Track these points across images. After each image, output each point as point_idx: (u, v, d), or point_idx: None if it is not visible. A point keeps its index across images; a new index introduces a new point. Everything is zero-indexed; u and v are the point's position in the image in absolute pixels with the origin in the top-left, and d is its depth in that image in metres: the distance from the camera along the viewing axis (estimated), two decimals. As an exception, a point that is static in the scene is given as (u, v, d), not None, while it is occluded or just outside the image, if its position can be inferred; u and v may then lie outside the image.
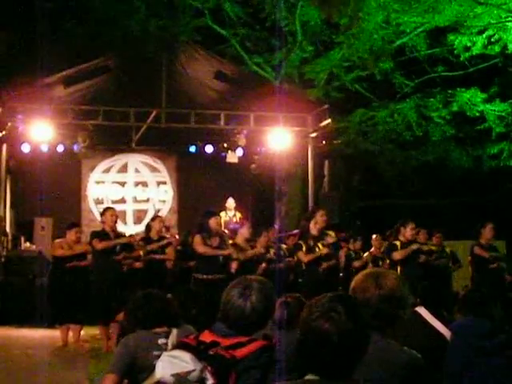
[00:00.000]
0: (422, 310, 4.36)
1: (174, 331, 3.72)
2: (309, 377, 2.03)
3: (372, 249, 11.27)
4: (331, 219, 9.98)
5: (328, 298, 2.07)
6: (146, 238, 9.56)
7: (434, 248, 10.57)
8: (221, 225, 8.65)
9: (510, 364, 3.89)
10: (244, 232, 9.44)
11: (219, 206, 12.18)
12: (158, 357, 3.39)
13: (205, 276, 8.44)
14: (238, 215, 12.62)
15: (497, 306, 4.11)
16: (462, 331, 4.01)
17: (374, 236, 11.43)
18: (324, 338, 1.98)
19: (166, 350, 3.47)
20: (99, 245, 8.67)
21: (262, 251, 9.18)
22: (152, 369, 3.30)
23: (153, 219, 9.99)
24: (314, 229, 8.85)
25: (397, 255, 8.68)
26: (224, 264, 8.62)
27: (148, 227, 9.72)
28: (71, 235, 9.18)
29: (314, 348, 2.00)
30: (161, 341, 3.68)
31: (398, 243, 8.79)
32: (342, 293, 2.16)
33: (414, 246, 8.75)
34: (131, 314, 3.93)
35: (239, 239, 9.29)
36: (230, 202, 12.62)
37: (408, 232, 8.77)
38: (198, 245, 8.62)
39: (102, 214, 9.21)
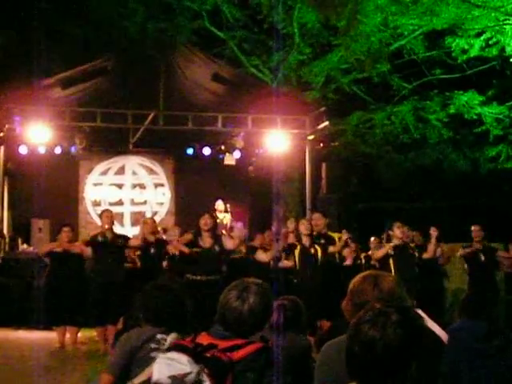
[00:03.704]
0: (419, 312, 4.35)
1: (174, 334, 3.56)
2: None
3: (370, 252, 11.24)
4: (329, 222, 9.95)
5: (385, 304, 1.92)
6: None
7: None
8: (212, 224, 8.54)
9: (506, 367, 3.89)
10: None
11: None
12: (154, 350, 3.35)
13: (194, 277, 8.40)
14: (228, 217, 12.53)
15: (496, 308, 4.11)
16: (458, 333, 4.00)
17: (372, 239, 11.40)
18: (368, 345, 1.80)
19: (163, 344, 3.35)
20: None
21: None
22: (147, 361, 3.20)
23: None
24: (305, 230, 8.86)
25: (377, 254, 8.66)
26: (217, 265, 8.55)
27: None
28: (62, 236, 9.17)
29: (357, 353, 1.82)
30: (160, 336, 3.45)
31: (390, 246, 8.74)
32: (406, 304, 1.93)
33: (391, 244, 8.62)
34: (142, 308, 3.72)
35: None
36: (219, 204, 12.50)
37: (397, 232, 8.66)
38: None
39: (100, 217, 9.30)
